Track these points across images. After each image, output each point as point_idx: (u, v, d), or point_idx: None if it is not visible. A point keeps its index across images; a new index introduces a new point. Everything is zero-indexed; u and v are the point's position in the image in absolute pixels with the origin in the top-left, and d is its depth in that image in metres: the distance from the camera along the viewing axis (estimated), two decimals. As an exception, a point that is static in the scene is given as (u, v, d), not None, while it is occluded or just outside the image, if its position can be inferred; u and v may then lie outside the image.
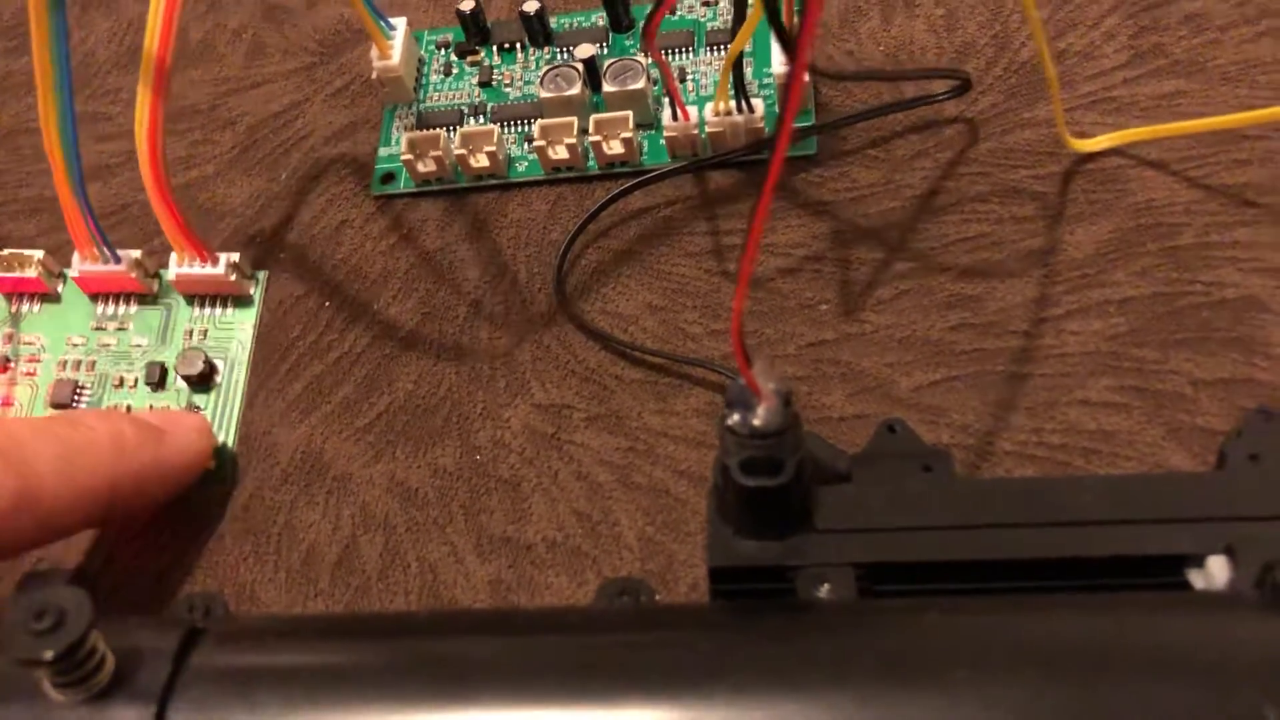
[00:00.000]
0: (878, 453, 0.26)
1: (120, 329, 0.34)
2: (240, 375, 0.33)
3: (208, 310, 0.34)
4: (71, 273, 0.34)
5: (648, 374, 0.31)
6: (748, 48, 0.35)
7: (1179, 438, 0.28)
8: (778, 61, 0.33)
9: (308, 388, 0.32)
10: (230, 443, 0.32)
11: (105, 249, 0.33)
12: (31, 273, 0.34)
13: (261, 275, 0.35)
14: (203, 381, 0.33)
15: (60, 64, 0.28)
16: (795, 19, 0.29)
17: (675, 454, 0.29)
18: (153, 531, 0.31)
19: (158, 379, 0.33)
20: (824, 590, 0.23)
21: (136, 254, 0.34)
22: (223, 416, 0.32)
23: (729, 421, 0.23)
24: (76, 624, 0.19)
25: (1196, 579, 0.23)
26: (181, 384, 0.33)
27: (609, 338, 0.32)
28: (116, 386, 0.33)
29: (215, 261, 0.33)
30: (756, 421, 0.23)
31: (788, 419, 0.23)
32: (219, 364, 0.33)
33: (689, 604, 0.27)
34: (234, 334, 0.34)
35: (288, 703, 0.21)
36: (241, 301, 0.34)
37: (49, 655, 0.19)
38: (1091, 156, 0.32)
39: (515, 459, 0.30)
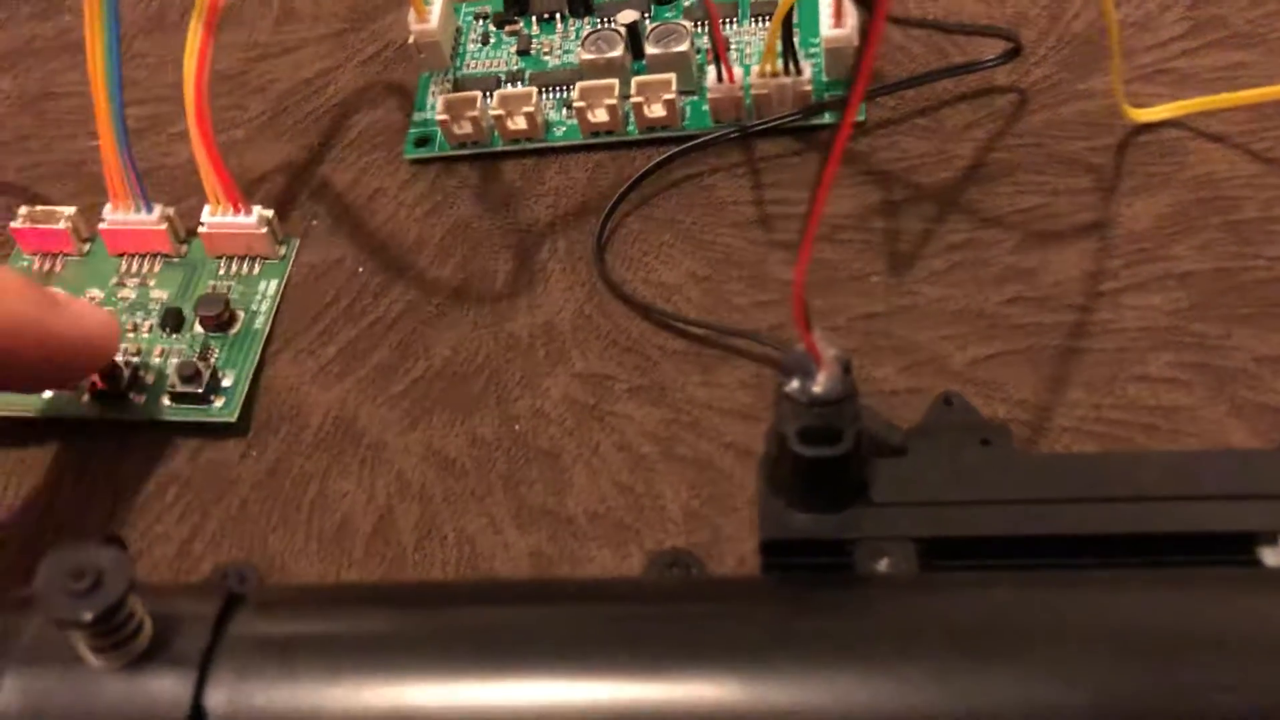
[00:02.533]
0: (934, 426, 0.25)
1: (142, 285, 0.33)
2: (261, 324, 0.32)
3: (234, 267, 0.33)
4: (101, 224, 0.33)
5: (692, 345, 0.30)
6: (794, 16, 0.34)
7: (1242, 414, 0.27)
8: (826, 26, 0.33)
9: (341, 352, 0.32)
10: (241, 381, 0.31)
11: (139, 197, 0.32)
12: (60, 225, 0.33)
13: (293, 242, 0.34)
14: (221, 327, 0.32)
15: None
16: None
17: (720, 426, 0.29)
18: (170, 496, 0.30)
19: (174, 322, 0.32)
20: (884, 564, 0.22)
21: (169, 209, 0.33)
22: (237, 358, 0.31)
23: (788, 388, 0.22)
24: (116, 585, 0.18)
25: (1269, 557, 0.22)
26: (199, 328, 0.32)
27: (651, 308, 0.31)
28: (130, 332, 0.32)
29: (249, 212, 0.33)
30: (816, 389, 0.22)
31: (847, 387, 0.22)
32: (240, 314, 0.32)
33: (744, 576, 0.26)
34: (259, 289, 0.33)
35: (330, 671, 0.20)
36: (270, 264, 0.33)
37: (88, 617, 0.18)
38: (1148, 128, 0.31)
39: (555, 429, 0.29)
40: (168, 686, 0.19)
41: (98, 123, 0.30)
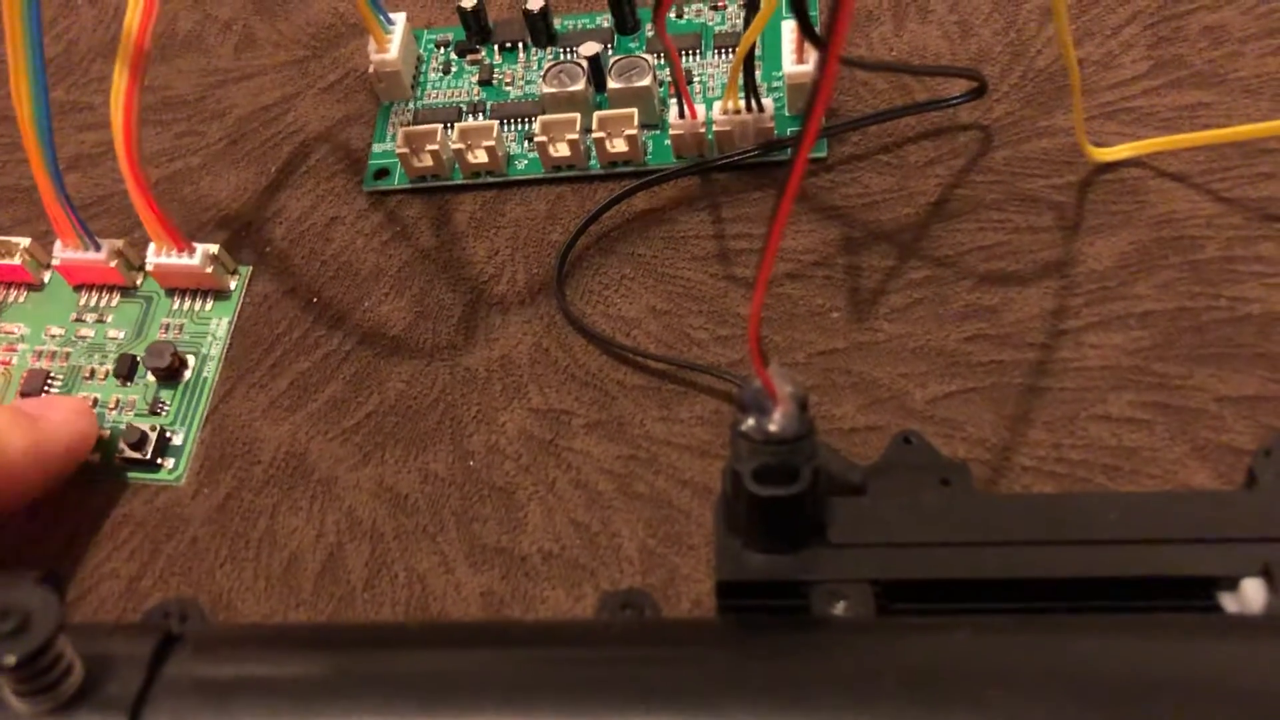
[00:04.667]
0: (893, 465, 0.25)
1: (99, 321, 0.33)
2: (211, 371, 0.32)
3: (187, 304, 0.33)
4: (54, 261, 0.33)
5: (651, 379, 0.30)
6: (757, 50, 0.34)
7: (1203, 455, 0.27)
8: (788, 62, 0.32)
9: (292, 384, 0.31)
10: (190, 440, 0.31)
11: (85, 236, 0.32)
12: (16, 260, 0.33)
13: (245, 270, 0.33)
14: (171, 376, 0.31)
15: (33, 51, 0.27)
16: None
17: (679, 463, 0.28)
18: (118, 533, 0.29)
19: (127, 371, 0.32)
20: (840, 607, 0.22)
21: (119, 243, 0.33)
22: (187, 412, 0.31)
23: (743, 426, 0.22)
24: (42, 627, 0.18)
25: (1229, 602, 0.22)
26: (151, 377, 0.32)
27: (611, 341, 0.30)
28: (87, 378, 0.32)
29: (193, 252, 0.32)
30: (772, 427, 0.21)
31: (804, 424, 0.22)
32: (190, 359, 0.32)
33: (698, 619, 0.25)
34: (209, 329, 0.32)
35: (268, 716, 0.19)
36: (221, 296, 0.33)
37: (10, 661, 0.18)
38: (1110, 167, 0.31)
39: (511, 465, 0.29)
40: (96, 733, 0.18)
41: (33, 171, 0.29)
